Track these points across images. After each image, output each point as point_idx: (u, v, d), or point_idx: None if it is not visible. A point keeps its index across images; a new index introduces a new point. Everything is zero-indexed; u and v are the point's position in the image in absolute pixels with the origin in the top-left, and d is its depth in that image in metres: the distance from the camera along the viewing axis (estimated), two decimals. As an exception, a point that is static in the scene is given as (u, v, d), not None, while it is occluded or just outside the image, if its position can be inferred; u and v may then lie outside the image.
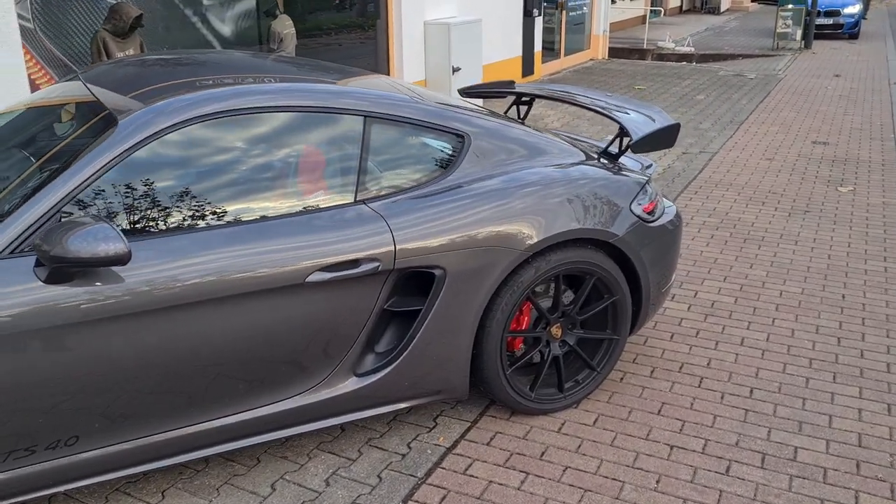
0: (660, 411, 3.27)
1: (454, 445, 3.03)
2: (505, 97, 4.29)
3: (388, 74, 8.96)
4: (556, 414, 3.25)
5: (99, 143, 2.44)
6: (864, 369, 3.61)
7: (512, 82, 4.32)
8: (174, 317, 2.42)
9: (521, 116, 4.18)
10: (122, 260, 2.20)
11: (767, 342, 3.88)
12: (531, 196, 2.95)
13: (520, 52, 11.73)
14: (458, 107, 3.17)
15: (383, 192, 2.83)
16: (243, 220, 2.59)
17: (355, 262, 2.65)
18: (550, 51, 13.22)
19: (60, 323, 2.25)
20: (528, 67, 12.04)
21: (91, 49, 6.45)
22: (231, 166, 2.63)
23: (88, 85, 2.92)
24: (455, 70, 9.14)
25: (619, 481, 2.83)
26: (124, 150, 2.43)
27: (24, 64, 5.42)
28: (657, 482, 2.83)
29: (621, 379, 3.53)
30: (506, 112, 4.29)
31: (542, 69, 12.62)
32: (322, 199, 2.73)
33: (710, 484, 2.82)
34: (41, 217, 2.30)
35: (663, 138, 3.40)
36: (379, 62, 8.90)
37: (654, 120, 3.53)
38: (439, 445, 3.02)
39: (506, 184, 2.96)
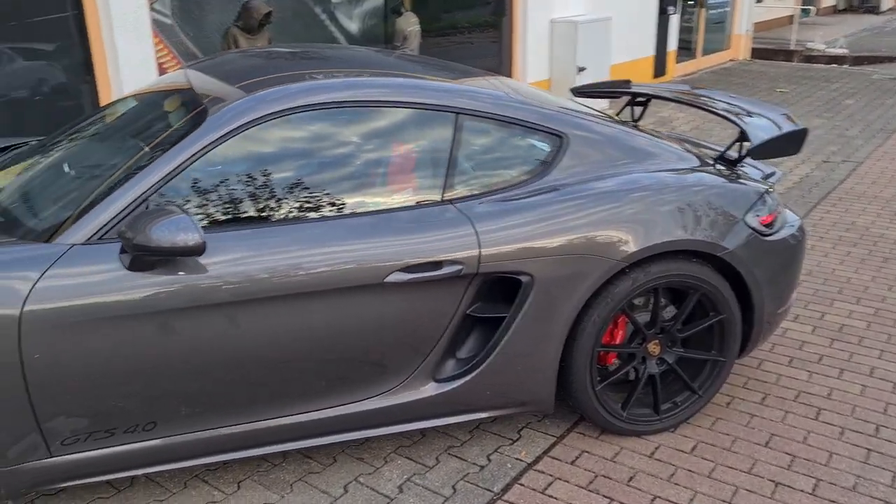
0: (767, 443, 2.98)
1: (536, 461, 2.88)
2: (620, 97, 4.07)
3: (511, 73, 8.82)
4: (649, 437, 3.03)
5: (188, 134, 2.46)
6: None
7: (628, 82, 4.10)
8: (254, 310, 2.40)
9: (636, 118, 3.95)
10: (197, 251, 2.21)
11: (902, 375, 3.48)
12: (629, 202, 2.74)
13: (652, 52, 11.28)
14: (558, 106, 3.00)
15: (472, 193, 2.72)
16: (327, 216, 2.54)
17: (437, 265, 2.55)
18: (687, 50, 12.65)
19: (140, 310, 2.28)
20: (660, 68, 11.56)
21: (222, 44, 6.71)
22: (316, 161, 2.59)
23: (194, 75, 2.97)
24: (580, 70, 8.88)
25: None
26: (212, 142, 2.44)
27: (153, 56, 5.67)
28: (756, 522, 2.57)
29: (728, 404, 3.25)
30: (618, 113, 4.07)
31: (675, 70, 12.10)
32: (408, 198, 2.65)
33: (818, 530, 2.53)
34: (128, 206, 2.34)
35: (786, 144, 3.10)
36: (503, 61, 8.79)
37: (778, 125, 3.23)
38: (520, 460, 2.88)
39: (603, 188, 2.77)
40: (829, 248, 4.99)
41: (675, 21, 11.66)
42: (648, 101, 3.93)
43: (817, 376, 3.47)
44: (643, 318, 2.96)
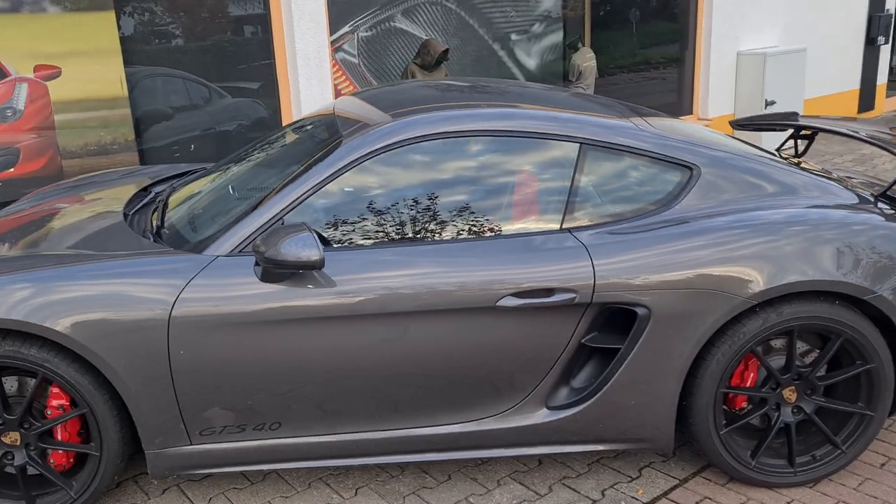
0: (923, 512, 2.68)
1: (652, 502, 2.78)
2: (784, 130, 3.86)
3: (692, 109, 8.56)
4: (784, 490, 2.82)
5: (322, 159, 2.69)
6: None
7: (795, 113, 3.89)
8: (373, 325, 2.55)
9: (800, 152, 3.74)
10: (317, 265, 2.39)
11: None
12: (759, 238, 2.61)
13: (857, 85, 10.47)
14: (691, 138, 2.92)
15: (592, 223, 2.72)
16: (446, 238, 2.66)
17: (549, 291, 2.57)
18: (902, 84, 11.62)
19: (268, 319, 2.51)
20: (866, 102, 10.70)
21: (402, 80, 7.10)
22: (444, 186, 2.72)
23: (350, 102, 3.21)
24: (768, 104, 8.44)
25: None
26: (339, 169, 2.65)
27: (332, 92, 6.13)
28: None
29: (882, 465, 2.96)
30: (779, 148, 3.88)
31: (885, 104, 11.13)
32: (528, 225, 2.70)
33: None
34: (265, 223, 2.59)
35: (956, 180, 2.81)
36: (683, 96, 8.56)
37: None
38: (636, 499, 2.80)
39: (731, 222, 2.66)
40: None
41: (886, 51, 10.77)
42: (815, 134, 3.71)
43: None
44: (779, 362, 2.78)
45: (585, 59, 8.15)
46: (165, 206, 3.15)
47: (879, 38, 10.43)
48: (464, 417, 2.72)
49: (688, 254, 2.60)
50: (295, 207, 2.63)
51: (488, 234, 2.68)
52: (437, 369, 2.63)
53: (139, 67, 5.83)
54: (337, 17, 7.00)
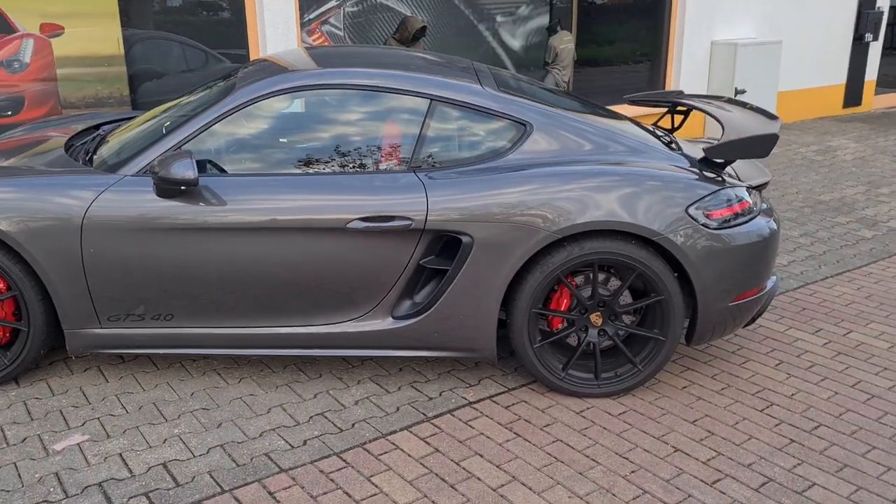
0: (695, 421, 3.21)
1: (478, 402, 3.35)
2: (664, 106, 4.35)
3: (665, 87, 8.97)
4: (589, 400, 3.36)
5: (218, 100, 3.29)
6: (983, 438, 3.07)
7: (680, 92, 4.38)
8: (247, 238, 3.15)
9: (676, 126, 4.24)
10: (192, 184, 3.00)
11: (888, 391, 3.46)
12: (567, 185, 3.14)
13: (843, 80, 10.74)
14: (531, 97, 3.44)
15: (434, 166, 3.28)
16: (310, 172, 3.24)
17: (390, 218, 3.15)
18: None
19: (159, 226, 3.12)
20: (852, 98, 10.96)
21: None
22: (316, 129, 3.30)
23: (275, 60, 3.80)
24: (738, 92, 8.83)
25: (595, 462, 2.91)
26: (229, 110, 3.25)
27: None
28: (632, 472, 2.86)
29: (684, 388, 3.48)
30: (655, 123, 4.37)
31: (874, 102, 11.36)
32: (382, 164, 3.28)
33: (683, 487, 2.77)
34: (166, 150, 3.20)
35: (752, 147, 3.31)
36: (654, 80, 8.97)
37: (751, 128, 3.41)
38: (465, 399, 3.37)
39: (547, 172, 3.19)
40: (909, 276, 4.81)
41: (876, 48, 11.00)
42: (689, 111, 4.19)
43: (795, 380, 3.56)
44: (588, 292, 3.32)
45: (563, 42, 8.61)
46: (104, 139, 3.78)
47: (867, 34, 10.67)
48: (325, 321, 3.31)
49: (507, 195, 3.14)
50: (191, 139, 3.24)
51: (348, 170, 3.26)
52: (299, 278, 3.22)
53: (138, 31, 6.49)
54: (324, -8, 7.58)
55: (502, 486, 2.77)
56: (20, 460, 2.87)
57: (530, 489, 2.76)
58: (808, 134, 9.58)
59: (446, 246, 3.27)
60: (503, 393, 3.42)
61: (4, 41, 6.15)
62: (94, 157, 3.52)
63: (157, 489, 2.72)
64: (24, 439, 3.01)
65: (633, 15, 9.23)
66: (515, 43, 8.95)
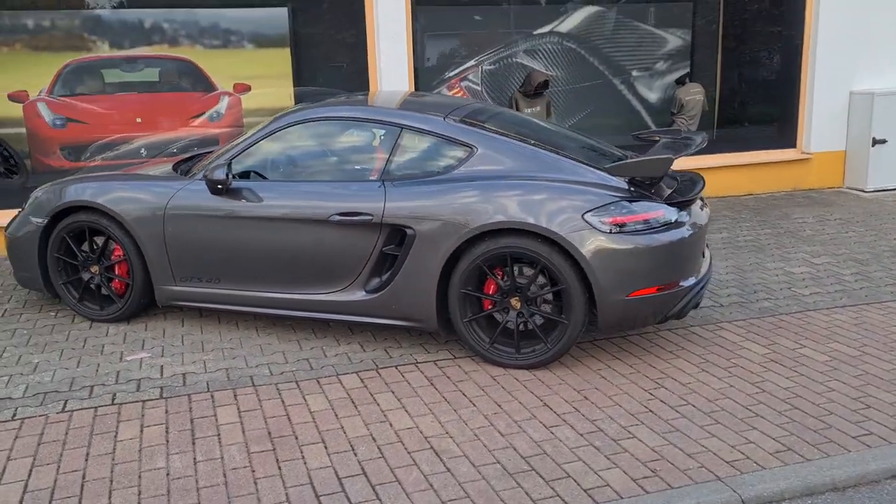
0: (581, 390, 3.85)
1: (425, 361, 4.25)
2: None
3: (795, 142, 9.02)
4: (511, 371, 4.12)
5: (262, 127, 4.62)
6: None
7: (678, 131, 5.01)
8: (264, 225, 4.40)
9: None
10: (224, 184, 4.32)
11: (785, 390, 3.82)
12: (486, 192, 4.01)
13: None
14: (483, 127, 4.34)
15: (399, 177, 4.30)
16: (312, 180, 4.43)
17: (358, 213, 4.22)
18: None
19: (208, 214, 4.48)
20: None
21: (508, 104, 8.72)
22: (319, 149, 4.50)
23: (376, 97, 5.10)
24: (877, 142, 8.64)
25: (473, 405, 3.71)
26: (264, 134, 4.55)
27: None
28: (494, 413, 3.61)
29: (598, 370, 4.10)
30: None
31: None
32: (362, 176, 4.38)
33: (524, 427, 3.48)
34: (218, 163, 4.57)
35: (650, 167, 3.94)
36: (785, 132, 9.06)
37: (659, 152, 4.03)
38: (414, 360, 4.28)
39: (476, 183, 4.07)
40: (922, 311, 4.85)
41: None
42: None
43: (703, 373, 4.02)
44: (511, 280, 4.11)
45: (689, 94, 9.08)
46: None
47: None
48: (317, 290, 4.44)
49: (442, 199, 4.08)
50: (238, 155, 4.59)
51: (337, 179, 4.41)
52: (298, 257, 4.40)
53: (305, 87, 8.22)
54: (466, 54, 8.87)
55: (390, 410, 3.68)
56: (103, 363, 4.31)
57: (408, 413, 3.64)
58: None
59: (402, 238, 4.27)
60: (448, 359, 4.29)
61: (208, 98, 8.17)
62: (188, 171, 5.02)
63: (170, 386, 3.99)
64: (113, 352, 4.46)
65: (772, 69, 9.45)
66: (653, 96, 9.56)
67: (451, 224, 4.05)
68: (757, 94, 9.85)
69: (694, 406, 3.67)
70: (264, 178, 4.56)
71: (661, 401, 3.73)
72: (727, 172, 8.76)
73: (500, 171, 4.18)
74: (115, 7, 7.67)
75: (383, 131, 4.44)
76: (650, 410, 3.63)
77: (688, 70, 9.39)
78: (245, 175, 4.60)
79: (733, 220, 7.51)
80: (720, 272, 5.76)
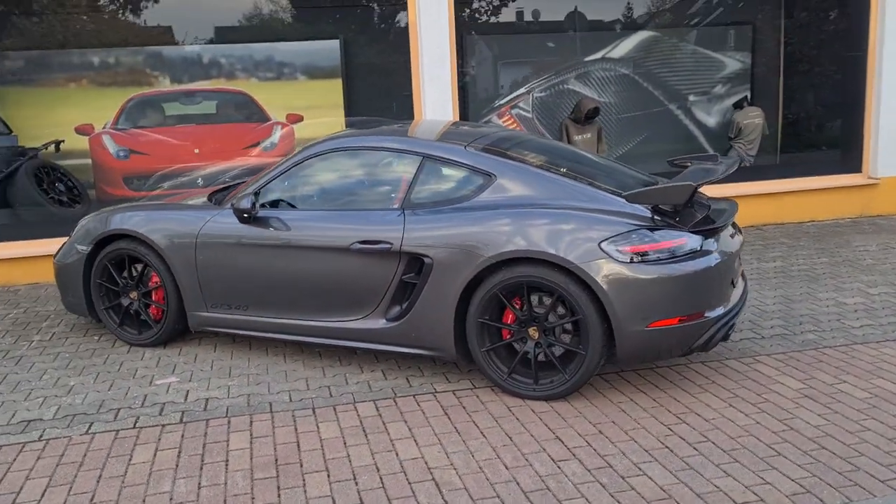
0: (597, 423, 3.73)
1: (435, 392, 4.21)
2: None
3: (860, 166, 8.62)
4: (529, 402, 4.03)
5: (287, 157, 4.71)
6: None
7: (715, 156, 4.87)
8: (288, 253, 4.47)
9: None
10: (250, 213, 4.41)
11: (815, 428, 3.61)
12: (503, 221, 3.96)
13: None
14: (505, 156, 4.31)
15: (419, 205, 4.30)
16: (334, 208, 4.48)
17: (378, 242, 4.24)
18: None
19: (237, 242, 4.58)
20: None
21: (559, 131, 8.67)
22: (343, 178, 4.55)
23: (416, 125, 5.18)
24: (951, 164, 8.18)
25: (483, 436, 3.64)
26: (290, 166, 4.64)
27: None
28: (503, 445, 3.54)
29: (619, 402, 3.98)
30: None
31: None
32: (383, 205, 4.40)
33: (531, 461, 3.39)
34: (248, 193, 4.68)
35: (669, 195, 3.83)
36: (850, 154, 8.68)
37: (686, 179, 3.90)
38: (434, 389, 4.25)
39: (494, 213, 4.03)
40: (981, 346, 4.53)
41: None
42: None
43: (731, 409, 3.84)
44: (527, 309, 4.04)
45: (747, 118, 8.84)
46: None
47: None
48: (340, 318, 4.46)
49: (458, 227, 4.06)
50: (266, 185, 4.68)
51: (359, 207, 4.44)
52: (321, 285, 4.44)
53: (355, 117, 8.37)
54: (517, 81, 8.88)
55: (399, 439, 3.66)
56: (133, 386, 4.44)
57: (416, 443, 3.60)
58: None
59: (420, 266, 4.26)
60: (468, 389, 4.23)
61: (262, 128, 8.42)
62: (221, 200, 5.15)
63: (191, 411, 4.07)
64: (144, 376, 4.59)
65: (836, 90, 9.10)
66: (711, 120, 9.35)
67: (467, 252, 4.02)
68: (821, 116, 9.50)
69: (714, 443, 3.51)
70: (293, 206, 4.64)
71: (680, 437, 3.58)
72: (789, 198, 8.44)
73: (520, 198, 4.13)
74: (204, 43, 8.00)
75: (406, 160, 4.46)
76: (666, 447, 3.49)
77: (746, 94, 9.13)
78: (275, 204, 4.69)
79: (790, 247, 7.21)
80: (766, 302, 5.53)
